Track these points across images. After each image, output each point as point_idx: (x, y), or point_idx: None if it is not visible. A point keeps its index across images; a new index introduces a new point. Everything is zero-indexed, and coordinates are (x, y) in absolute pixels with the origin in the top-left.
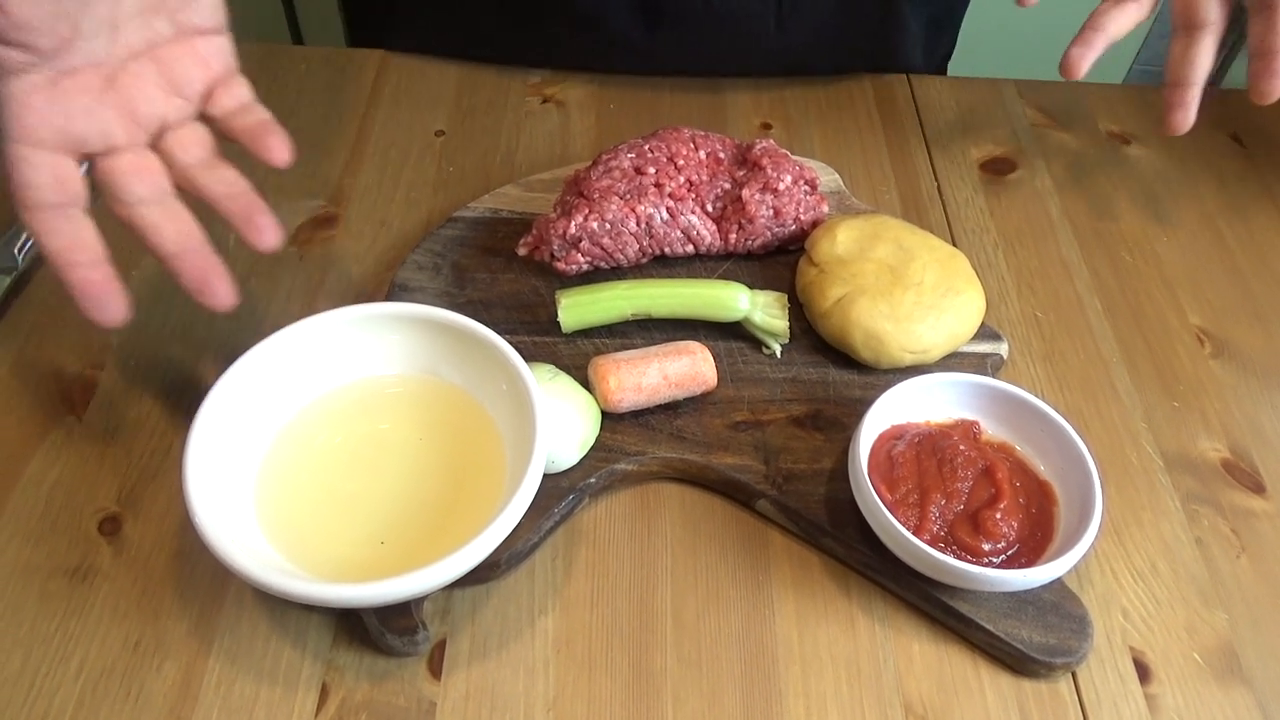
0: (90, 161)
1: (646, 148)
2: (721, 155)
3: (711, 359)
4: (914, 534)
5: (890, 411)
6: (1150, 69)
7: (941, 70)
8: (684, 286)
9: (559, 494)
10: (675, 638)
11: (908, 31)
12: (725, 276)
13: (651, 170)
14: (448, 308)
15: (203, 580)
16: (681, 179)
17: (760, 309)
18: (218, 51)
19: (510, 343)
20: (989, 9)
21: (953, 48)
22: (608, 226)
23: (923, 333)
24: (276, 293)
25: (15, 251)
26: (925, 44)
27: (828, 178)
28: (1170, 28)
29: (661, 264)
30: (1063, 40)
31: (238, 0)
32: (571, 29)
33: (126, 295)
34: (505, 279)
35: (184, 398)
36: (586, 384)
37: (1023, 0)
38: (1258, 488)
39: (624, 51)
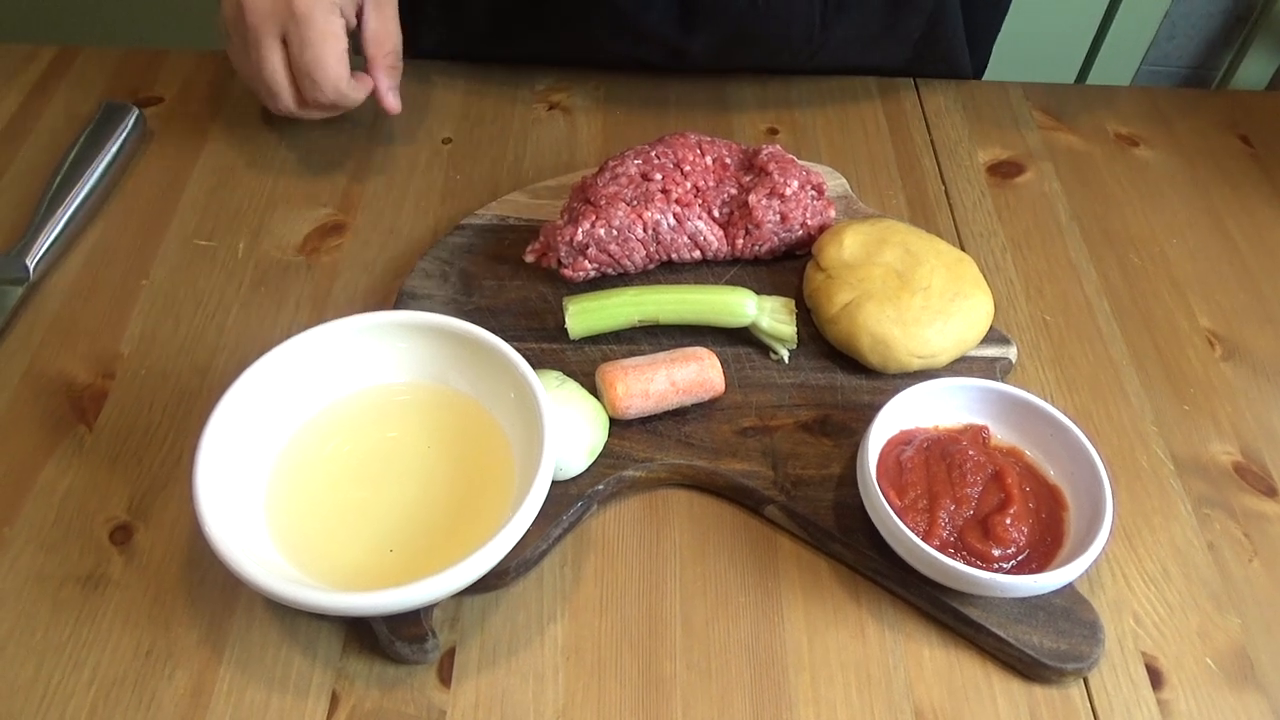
0: None
1: (653, 154)
2: (728, 161)
3: (719, 365)
4: (923, 539)
5: (898, 416)
6: (1158, 69)
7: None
8: (691, 292)
9: (567, 501)
10: (684, 644)
11: (956, 35)
12: (732, 282)
13: (658, 176)
14: (455, 315)
15: (214, 589)
16: (688, 185)
17: (767, 314)
18: None
19: (518, 350)
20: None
21: (988, 58)
22: (614, 233)
23: (930, 337)
24: (285, 301)
25: (26, 262)
26: (971, 50)
27: (834, 182)
28: None
29: (669, 270)
30: (1067, 43)
31: None
32: (609, 29)
33: None
34: (513, 286)
35: (194, 407)
36: (594, 391)
37: None
38: (1270, 491)
39: (662, 52)
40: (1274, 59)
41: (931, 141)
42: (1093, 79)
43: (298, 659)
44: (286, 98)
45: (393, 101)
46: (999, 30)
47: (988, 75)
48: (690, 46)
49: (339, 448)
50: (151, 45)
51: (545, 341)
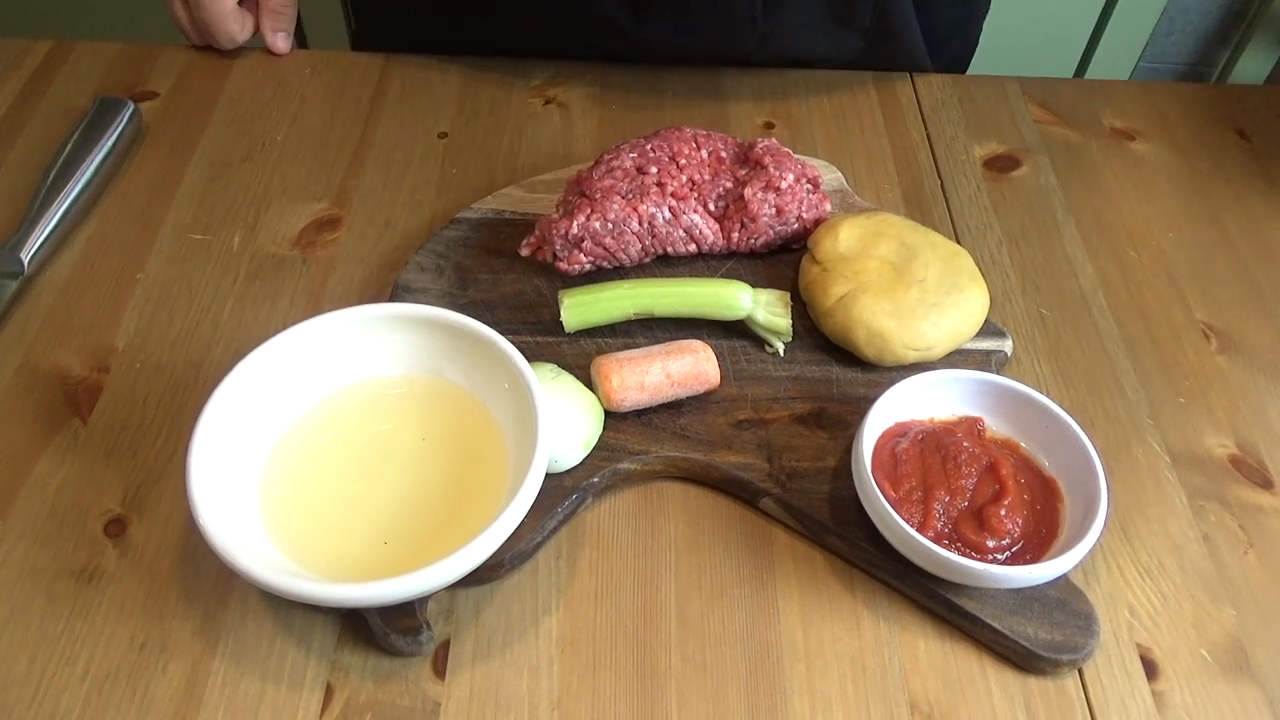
0: None
1: (648, 147)
2: (724, 154)
3: (714, 358)
4: (918, 531)
5: (894, 409)
6: (1157, 66)
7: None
8: (686, 285)
9: (562, 493)
10: (679, 636)
11: (910, 27)
12: (728, 275)
13: (653, 170)
14: (451, 309)
15: (208, 581)
16: (684, 178)
17: (763, 307)
18: None
19: (513, 343)
20: (991, 8)
21: (971, 52)
22: (610, 226)
23: (926, 330)
24: (280, 295)
25: (21, 256)
26: (938, 44)
27: (830, 176)
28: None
29: (664, 263)
30: (1065, 41)
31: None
32: (558, 13)
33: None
34: (508, 279)
35: (189, 400)
36: (589, 384)
37: None
38: (1265, 483)
39: (611, 37)
40: (1272, 54)
41: (928, 135)
42: (1091, 75)
43: (292, 651)
44: (194, 39)
45: (278, 44)
46: (979, 26)
47: (984, 70)
48: (639, 30)
49: (333, 440)
50: (147, 40)
51: (540, 335)
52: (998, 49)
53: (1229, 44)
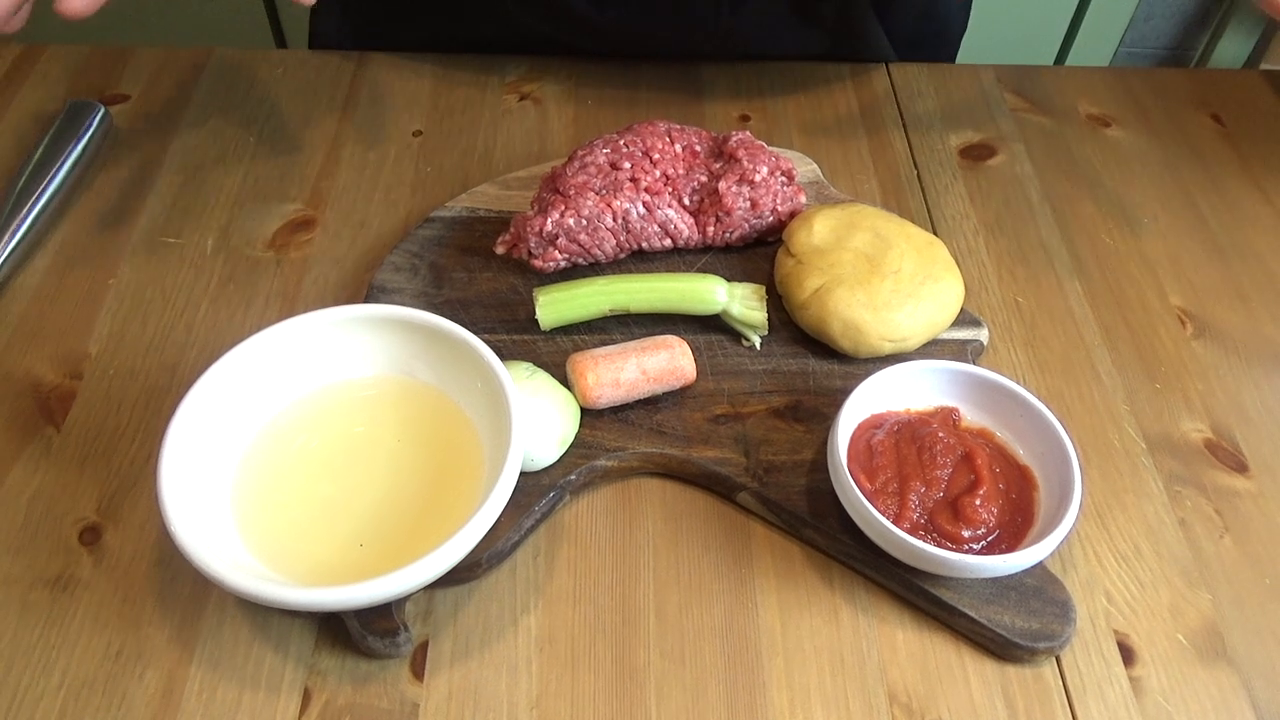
0: None
1: (622, 143)
2: (698, 148)
3: (690, 353)
4: (894, 523)
5: (869, 400)
6: (1136, 50)
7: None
8: (661, 281)
9: (539, 492)
10: (658, 632)
11: (872, 27)
12: (704, 270)
13: (627, 165)
14: (426, 308)
15: (184, 588)
16: (658, 173)
17: (739, 301)
18: None
19: (489, 341)
20: None
21: (953, 55)
22: (584, 222)
23: (901, 321)
24: (255, 297)
25: None
26: (912, 43)
27: (805, 168)
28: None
29: (640, 259)
30: (1044, 27)
31: (222, 5)
32: (521, 6)
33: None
34: (483, 278)
35: (163, 405)
36: (565, 381)
37: None
38: (1240, 467)
39: (575, 29)
40: (1251, 37)
41: (904, 125)
42: (1071, 61)
43: (269, 656)
44: None
45: (71, 5)
46: (955, 40)
47: (964, 58)
48: (603, 23)
49: (306, 443)
50: (117, 42)
51: (517, 333)
52: (977, 36)
53: (1208, 27)
